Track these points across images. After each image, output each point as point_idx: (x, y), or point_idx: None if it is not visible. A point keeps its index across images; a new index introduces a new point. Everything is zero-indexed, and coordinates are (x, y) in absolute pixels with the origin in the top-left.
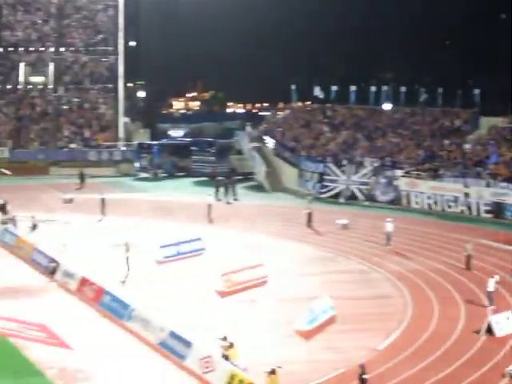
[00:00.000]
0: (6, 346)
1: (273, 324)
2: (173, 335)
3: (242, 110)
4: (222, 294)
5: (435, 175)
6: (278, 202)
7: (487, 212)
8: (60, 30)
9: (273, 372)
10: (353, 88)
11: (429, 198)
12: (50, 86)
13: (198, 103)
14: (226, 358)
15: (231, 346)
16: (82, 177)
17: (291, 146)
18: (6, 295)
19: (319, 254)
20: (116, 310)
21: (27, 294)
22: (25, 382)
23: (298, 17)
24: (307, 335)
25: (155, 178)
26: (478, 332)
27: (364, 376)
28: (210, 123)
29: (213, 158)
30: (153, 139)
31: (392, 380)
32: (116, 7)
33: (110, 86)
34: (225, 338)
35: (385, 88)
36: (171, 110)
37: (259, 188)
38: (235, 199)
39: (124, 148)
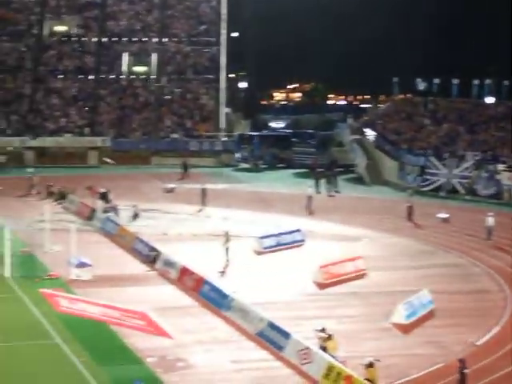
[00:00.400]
0: (107, 334)
1: (371, 317)
2: (271, 326)
3: (343, 102)
4: (321, 286)
5: None
6: (378, 195)
7: None
8: (163, 21)
9: (371, 365)
10: (455, 81)
11: None
12: (153, 76)
13: (299, 94)
14: (324, 349)
15: (330, 337)
16: (185, 167)
17: (392, 139)
18: (108, 283)
19: (419, 247)
20: (215, 299)
21: (128, 283)
22: (125, 369)
23: (400, 8)
24: (405, 329)
25: (256, 169)
26: None
27: (464, 371)
28: (311, 115)
29: (313, 150)
30: (254, 130)
31: (492, 375)
32: None
33: (211, 76)
34: (323, 330)
35: (488, 81)
36: (272, 101)
37: (359, 180)
38: (336, 191)
39: (225, 138)
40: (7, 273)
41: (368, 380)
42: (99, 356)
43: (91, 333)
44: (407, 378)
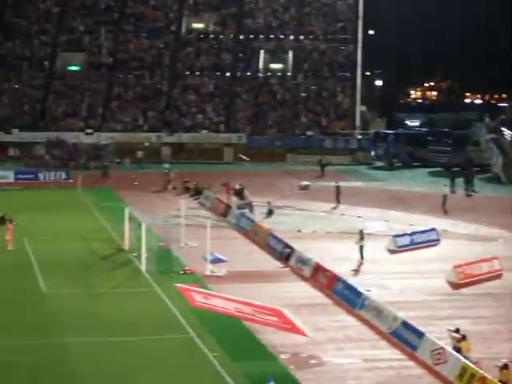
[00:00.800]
0: (240, 330)
1: (506, 318)
2: (405, 325)
3: (479, 101)
4: (455, 286)
5: None
6: None
7: None
8: (300, 18)
9: (506, 367)
10: None
11: None
12: (289, 74)
13: (435, 93)
14: (458, 350)
15: (463, 338)
16: (321, 165)
17: None
18: (242, 279)
19: None
20: (348, 297)
21: (262, 279)
22: (258, 365)
23: None
24: None
25: (390, 167)
26: None
27: None
28: (447, 113)
29: (449, 149)
30: (389, 128)
31: None
32: None
33: (347, 74)
34: (457, 330)
35: None
36: (408, 100)
37: (496, 180)
38: (473, 191)
39: (360, 136)
40: (144, 267)
41: (502, 382)
42: (233, 351)
43: (225, 328)
44: None
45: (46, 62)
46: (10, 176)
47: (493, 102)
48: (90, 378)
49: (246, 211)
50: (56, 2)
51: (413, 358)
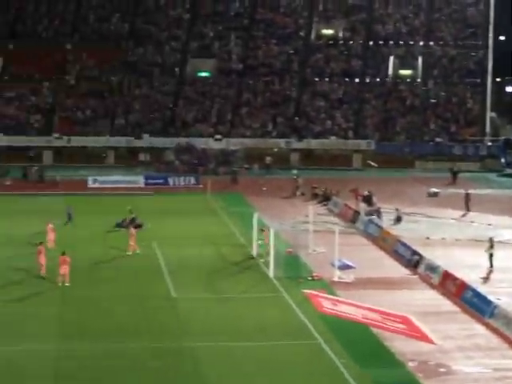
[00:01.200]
0: (368, 336)
1: None
2: None
3: None
4: None
5: None
6: None
7: None
8: (430, 24)
9: None
10: None
11: None
12: (418, 80)
13: None
14: None
15: None
16: (453, 172)
17: None
18: (369, 286)
19: None
20: (478, 305)
21: (390, 286)
22: (386, 372)
23: None
24: None
25: None
26: None
27: None
28: None
29: None
30: None
31: None
32: (487, 1)
33: (477, 80)
34: None
35: None
36: None
37: None
38: None
39: (490, 143)
40: (271, 273)
41: None
42: (360, 358)
43: (352, 335)
44: None
45: (176, 69)
46: (140, 181)
47: None
48: (217, 383)
49: (375, 218)
50: (187, 9)
51: None
